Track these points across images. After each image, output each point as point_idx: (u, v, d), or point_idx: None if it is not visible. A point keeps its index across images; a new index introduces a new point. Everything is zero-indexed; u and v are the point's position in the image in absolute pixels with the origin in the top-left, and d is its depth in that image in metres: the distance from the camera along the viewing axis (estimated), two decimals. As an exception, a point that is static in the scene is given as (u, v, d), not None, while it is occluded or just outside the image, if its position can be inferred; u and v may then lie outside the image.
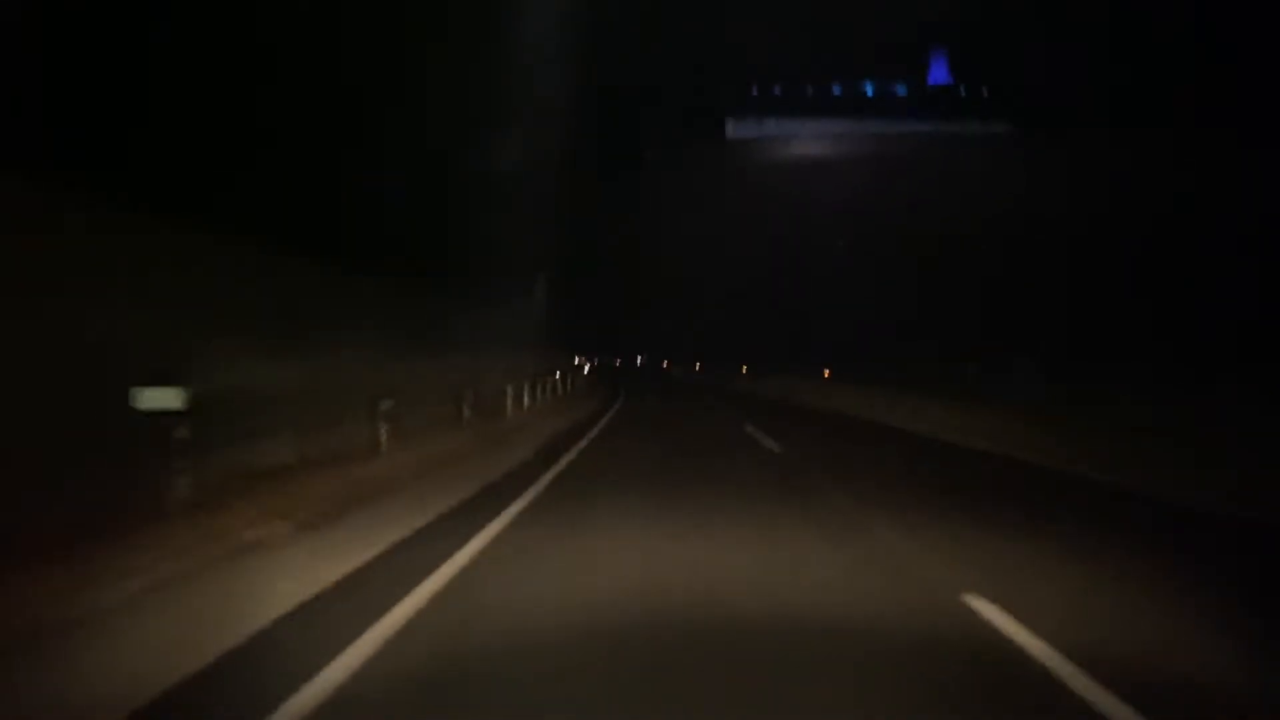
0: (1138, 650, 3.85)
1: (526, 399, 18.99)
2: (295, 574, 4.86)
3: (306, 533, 6.03)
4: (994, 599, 4.50)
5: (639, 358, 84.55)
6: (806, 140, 36.60)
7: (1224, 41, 17.94)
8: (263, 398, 7.72)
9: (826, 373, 34.22)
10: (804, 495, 8.72)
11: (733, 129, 37.46)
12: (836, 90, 34.49)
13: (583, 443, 13.64)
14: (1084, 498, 9.07)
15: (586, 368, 46.47)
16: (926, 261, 30.79)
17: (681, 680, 3.34)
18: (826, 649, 3.74)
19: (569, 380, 28.75)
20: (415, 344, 13.97)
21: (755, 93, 35.17)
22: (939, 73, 32.80)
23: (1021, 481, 10.34)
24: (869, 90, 34.23)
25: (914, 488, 9.23)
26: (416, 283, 14.72)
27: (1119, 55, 21.74)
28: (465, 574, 5.10)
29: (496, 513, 7.04)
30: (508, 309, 22.48)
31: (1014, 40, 27.21)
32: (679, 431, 17.42)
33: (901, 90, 33.43)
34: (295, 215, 9.67)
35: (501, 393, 16.78)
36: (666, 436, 16.15)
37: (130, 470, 5.72)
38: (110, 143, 6.92)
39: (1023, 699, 3.31)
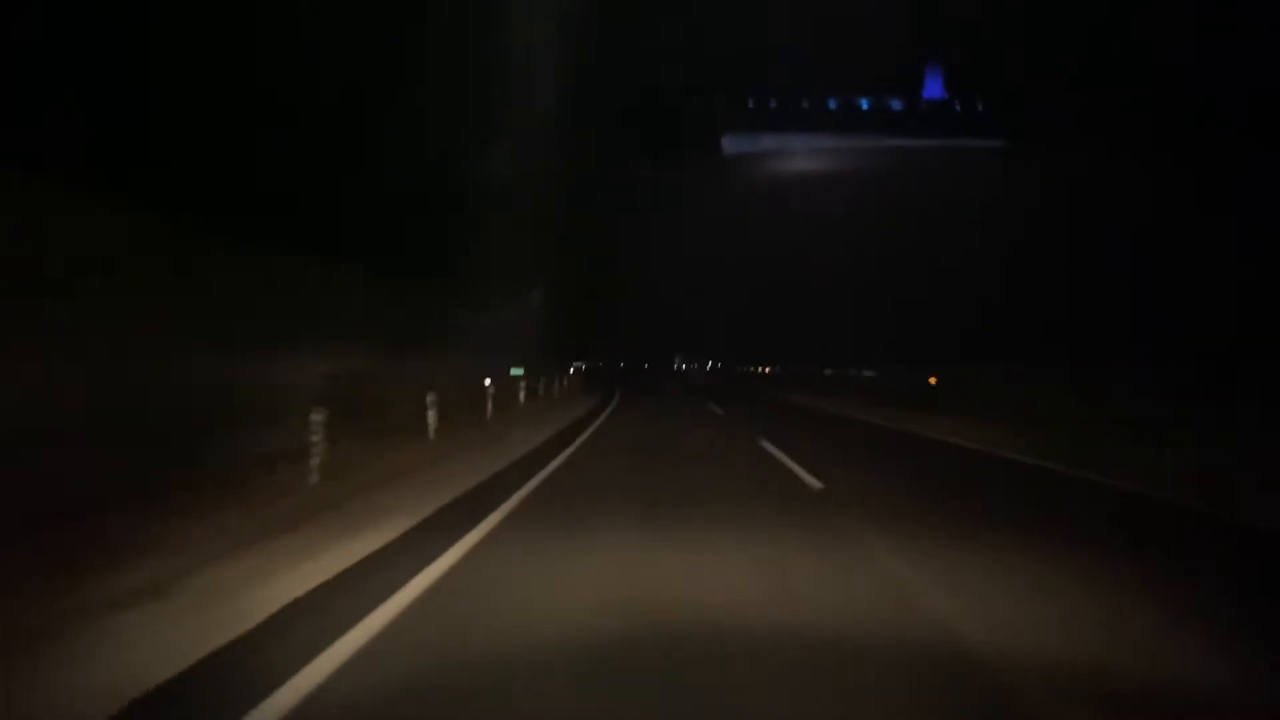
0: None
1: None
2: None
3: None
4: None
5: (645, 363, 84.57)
6: (802, 155, 36.81)
7: (1218, 49, 18.09)
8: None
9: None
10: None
11: (729, 144, 37.69)
12: (832, 105, 34.73)
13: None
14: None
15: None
16: (922, 274, 30.88)
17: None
18: None
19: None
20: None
21: (751, 107, 35.39)
22: (934, 88, 33.05)
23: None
24: (864, 105, 34.47)
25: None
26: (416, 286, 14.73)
27: (1112, 66, 21.92)
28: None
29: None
30: (505, 316, 22.43)
31: (1009, 55, 27.45)
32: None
33: (897, 105, 33.65)
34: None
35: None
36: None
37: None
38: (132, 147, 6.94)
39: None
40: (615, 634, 3.45)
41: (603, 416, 17.33)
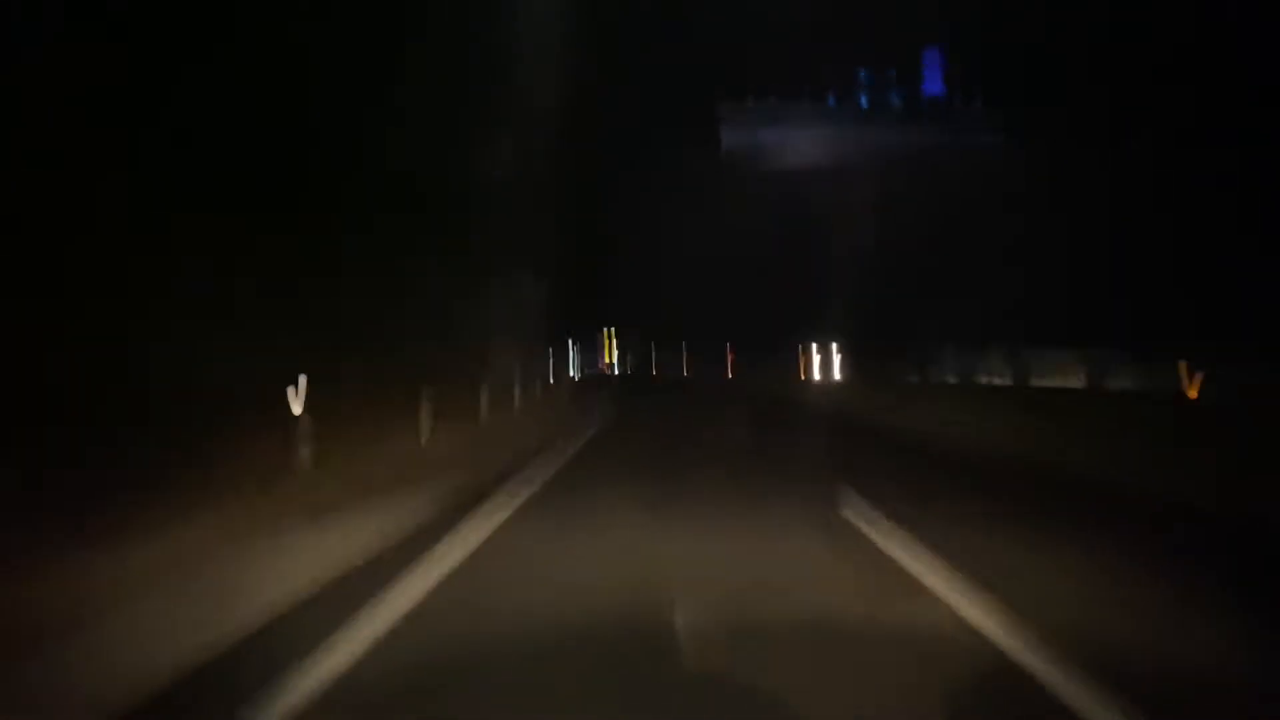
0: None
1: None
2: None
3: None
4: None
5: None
6: (801, 149, 36.69)
7: (1220, 43, 18.01)
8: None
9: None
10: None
11: (728, 139, 37.57)
12: (831, 100, 34.69)
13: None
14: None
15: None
16: (923, 269, 30.75)
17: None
18: None
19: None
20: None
21: (751, 103, 35.35)
22: (934, 82, 33.01)
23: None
24: (864, 100, 34.42)
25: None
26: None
27: (1115, 57, 21.83)
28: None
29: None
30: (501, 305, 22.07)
31: (1009, 48, 27.36)
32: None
33: (896, 99, 33.61)
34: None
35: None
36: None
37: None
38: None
39: None
40: None
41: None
